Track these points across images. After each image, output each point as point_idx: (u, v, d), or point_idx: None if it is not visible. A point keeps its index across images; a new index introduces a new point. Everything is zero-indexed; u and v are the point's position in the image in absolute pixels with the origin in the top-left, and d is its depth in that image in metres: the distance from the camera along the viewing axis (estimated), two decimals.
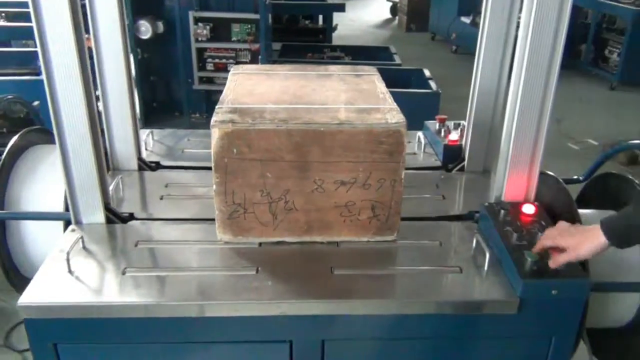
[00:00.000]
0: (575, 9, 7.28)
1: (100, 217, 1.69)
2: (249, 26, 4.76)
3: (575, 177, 2.13)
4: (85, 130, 1.59)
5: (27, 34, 4.10)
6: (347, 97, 1.72)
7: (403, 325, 1.48)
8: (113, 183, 1.90)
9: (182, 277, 1.49)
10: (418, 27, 10.23)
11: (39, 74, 3.43)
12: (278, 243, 1.63)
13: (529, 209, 1.66)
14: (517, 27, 1.65)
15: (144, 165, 2.12)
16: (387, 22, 11.40)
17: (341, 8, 6.87)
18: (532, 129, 1.64)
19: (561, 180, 1.76)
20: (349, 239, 1.64)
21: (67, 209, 1.69)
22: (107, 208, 1.72)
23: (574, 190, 2.11)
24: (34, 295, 1.40)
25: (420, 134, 2.40)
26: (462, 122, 2.31)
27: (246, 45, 4.78)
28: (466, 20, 8.26)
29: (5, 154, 1.87)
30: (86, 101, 1.56)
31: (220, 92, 1.73)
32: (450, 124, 2.36)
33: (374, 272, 1.54)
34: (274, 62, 5.40)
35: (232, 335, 1.47)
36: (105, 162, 2.04)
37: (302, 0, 7.05)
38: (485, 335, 1.52)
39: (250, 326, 1.45)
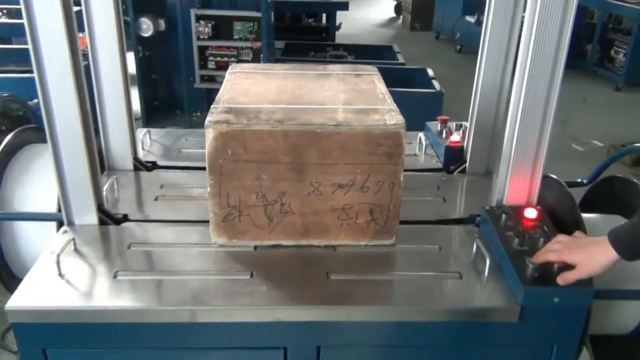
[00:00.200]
0: (581, 9, 7.19)
1: (93, 218, 1.66)
2: (251, 24, 4.72)
3: (579, 180, 2.08)
4: (78, 130, 1.56)
5: None
6: (345, 97, 1.68)
7: (400, 332, 1.44)
8: (107, 183, 1.87)
9: (174, 281, 1.46)
10: (422, 26, 10.19)
11: None
12: (274, 246, 1.59)
13: (531, 213, 1.62)
14: (521, 26, 1.61)
15: (140, 165, 2.08)
16: (392, 21, 11.34)
17: (345, 7, 6.84)
18: (535, 130, 1.60)
19: (564, 184, 1.71)
20: (346, 242, 1.60)
21: (60, 210, 1.66)
22: (101, 209, 1.69)
23: (578, 194, 2.07)
24: (23, 298, 1.37)
25: (421, 134, 2.36)
26: (464, 123, 2.27)
27: (248, 44, 4.74)
28: (471, 19, 8.20)
29: None
30: (78, 100, 1.53)
31: None
32: (452, 124, 2.32)
33: (371, 277, 1.50)
34: (277, 60, 5.36)
35: (225, 342, 1.44)
36: (101, 162, 2.03)
37: None
38: (486, 343, 1.48)
39: (243, 332, 1.41)
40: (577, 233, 1.49)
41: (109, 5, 1.84)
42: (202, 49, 4.79)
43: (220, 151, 1.47)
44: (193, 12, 4.64)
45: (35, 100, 3.00)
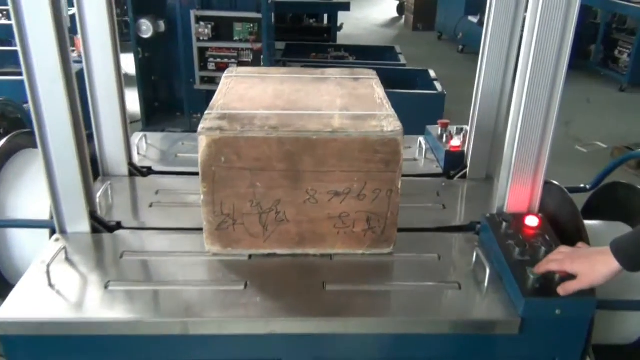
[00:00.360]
0: (584, 9, 7.17)
1: (85, 226, 1.63)
2: (252, 25, 4.69)
3: (582, 185, 2.04)
4: (69, 136, 1.53)
5: None
6: (342, 102, 1.64)
7: (398, 345, 1.41)
8: (102, 189, 1.84)
9: (166, 291, 1.43)
10: (425, 27, 10.14)
11: None
12: (269, 255, 1.56)
13: (532, 221, 1.59)
14: (523, 28, 1.57)
15: (135, 171, 2.05)
16: (394, 21, 11.30)
17: (346, 7, 6.80)
18: (537, 135, 1.56)
19: (566, 191, 1.68)
20: (343, 251, 1.57)
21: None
22: (93, 217, 1.66)
23: (581, 199, 2.03)
24: (11, 310, 1.34)
25: (421, 139, 2.32)
26: (464, 126, 2.23)
27: (248, 45, 4.71)
28: (473, 19, 8.15)
29: None
30: (69, 104, 1.50)
31: None
32: (453, 128, 2.28)
33: (369, 287, 1.47)
34: (277, 62, 5.33)
35: (219, 354, 1.40)
36: (95, 168, 2.00)
37: None
38: (485, 356, 1.45)
39: (237, 345, 1.38)
40: (580, 244, 1.46)
41: (103, 8, 1.81)
42: (202, 51, 4.75)
43: (213, 158, 1.43)
44: (193, 13, 4.61)
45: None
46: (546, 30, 1.44)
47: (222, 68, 4.74)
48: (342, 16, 7.21)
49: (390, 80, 5.16)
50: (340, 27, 7.16)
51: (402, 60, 5.75)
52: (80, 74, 1.86)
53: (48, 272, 1.43)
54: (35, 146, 1.96)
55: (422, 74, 5.16)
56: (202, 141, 1.42)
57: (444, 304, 1.43)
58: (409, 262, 1.57)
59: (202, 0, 4.65)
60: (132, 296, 1.40)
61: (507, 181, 1.63)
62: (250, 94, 1.70)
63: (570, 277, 1.33)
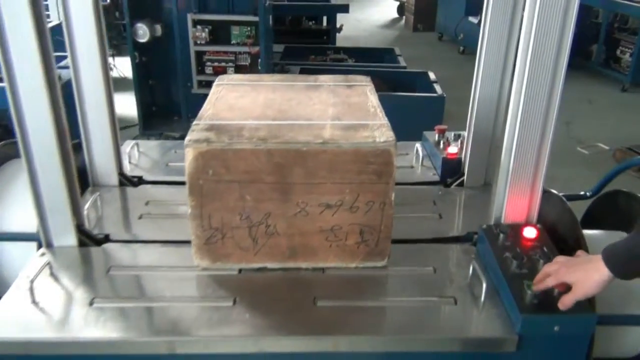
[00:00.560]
0: (586, 8, 7.11)
1: (72, 239, 1.59)
2: (249, 29, 4.64)
3: (582, 192, 2.00)
4: (53, 147, 1.49)
5: None
6: (334, 111, 1.60)
7: None
8: (90, 200, 1.80)
9: (153, 308, 1.39)
10: (425, 27, 10.08)
11: None
12: (259, 269, 1.52)
13: (530, 232, 1.54)
14: (521, 29, 1.52)
15: (126, 181, 2.01)
16: (394, 22, 11.24)
17: (345, 9, 6.74)
18: (535, 142, 1.51)
19: (565, 200, 1.63)
20: (335, 265, 1.52)
21: None
22: (80, 230, 1.62)
23: (582, 207, 1.98)
24: None
25: (418, 145, 2.28)
26: (462, 132, 2.19)
27: (246, 49, 4.67)
28: (474, 20, 8.09)
29: None
30: (53, 113, 1.46)
31: None
32: (451, 134, 2.24)
33: (361, 303, 1.42)
34: (275, 65, 5.29)
35: None
36: (85, 178, 1.96)
37: (305, 2, 6.92)
38: None
39: None
40: (579, 252, 1.41)
41: (90, 15, 1.77)
42: (199, 54, 4.71)
43: (200, 171, 1.39)
44: (190, 17, 4.57)
45: None
46: (544, 32, 1.39)
47: (219, 72, 4.70)
48: (342, 17, 7.15)
49: (389, 83, 5.14)
50: (340, 29, 7.11)
51: (402, 63, 5.70)
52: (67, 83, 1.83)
53: (31, 289, 1.39)
54: None
55: (421, 76, 5.10)
56: (189, 154, 1.38)
57: (439, 321, 1.39)
58: (404, 275, 1.53)
59: (199, 3, 4.61)
60: (118, 314, 1.36)
61: (505, 190, 1.58)
62: (240, 103, 1.65)
63: (570, 288, 1.29)
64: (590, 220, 1.85)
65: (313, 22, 7.11)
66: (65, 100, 1.53)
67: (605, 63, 7.26)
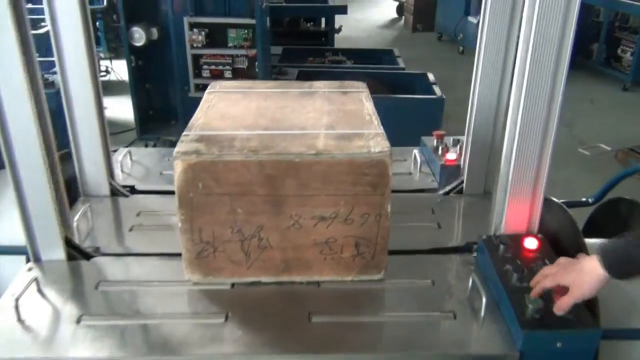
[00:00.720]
0: (587, 7, 7.05)
1: (60, 253, 1.55)
2: (246, 31, 4.59)
3: (584, 199, 1.96)
4: (39, 158, 1.45)
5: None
6: (329, 120, 1.56)
7: None
8: (80, 212, 1.75)
9: (142, 326, 1.34)
10: (424, 27, 10.03)
11: None
12: (252, 283, 1.48)
13: (531, 243, 1.50)
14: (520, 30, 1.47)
15: (117, 190, 1.97)
16: (394, 22, 11.19)
17: (343, 10, 6.68)
18: (535, 149, 1.47)
19: (567, 209, 1.58)
20: (330, 278, 1.48)
21: None
22: (69, 243, 1.58)
23: (584, 214, 1.94)
24: None
25: (416, 151, 2.23)
26: (461, 137, 2.14)
27: (243, 51, 4.62)
28: (473, 20, 8.04)
29: None
30: (38, 123, 1.42)
31: None
32: (449, 140, 2.19)
33: (357, 319, 1.38)
34: (274, 67, 5.24)
35: None
36: (75, 189, 1.92)
37: (303, 3, 6.86)
38: None
39: None
40: (580, 255, 1.37)
41: (78, 23, 1.73)
42: (196, 58, 4.66)
43: (190, 184, 1.35)
44: (186, 20, 4.52)
45: None
46: (544, 33, 1.35)
47: (216, 75, 4.66)
48: (341, 18, 7.10)
49: (388, 85, 5.09)
50: (339, 29, 7.05)
51: (401, 64, 5.64)
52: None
53: (17, 307, 1.35)
54: None
55: (420, 77, 5.05)
56: (178, 166, 1.33)
57: (437, 337, 1.34)
58: (401, 288, 1.49)
59: (195, 6, 4.56)
60: (105, 332, 1.32)
61: (504, 199, 1.54)
62: (232, 112, 1.61)
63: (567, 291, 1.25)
64: (593, 228, 1.81)
65: (311, 23, 7.06)
66: (58, 107, 1.49)
67: (606, 62, 7.22)
